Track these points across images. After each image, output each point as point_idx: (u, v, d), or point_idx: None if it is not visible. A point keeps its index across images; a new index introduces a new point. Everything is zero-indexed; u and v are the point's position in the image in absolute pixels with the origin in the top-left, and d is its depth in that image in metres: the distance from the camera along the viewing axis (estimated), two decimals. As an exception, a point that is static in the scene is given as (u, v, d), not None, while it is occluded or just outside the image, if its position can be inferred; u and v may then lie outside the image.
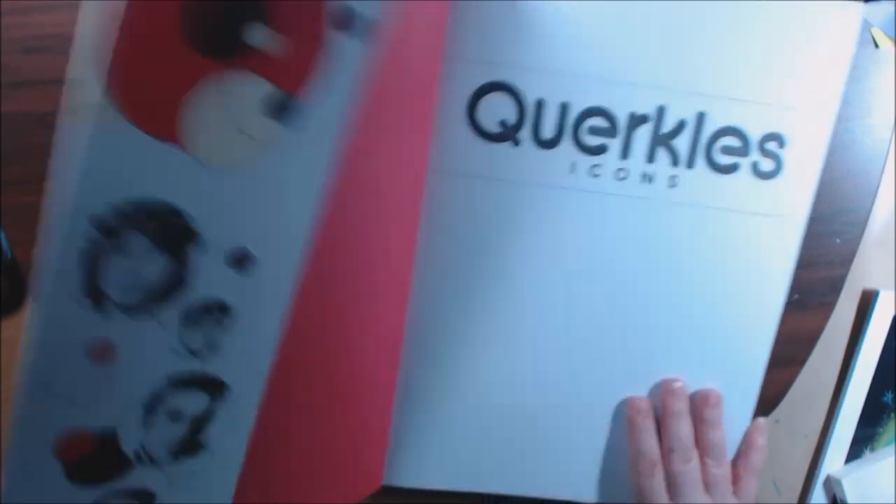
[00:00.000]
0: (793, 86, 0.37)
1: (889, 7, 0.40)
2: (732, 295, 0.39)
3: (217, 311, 0.30)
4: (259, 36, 0.26)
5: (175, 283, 0.29)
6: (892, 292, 0.43)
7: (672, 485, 0.38)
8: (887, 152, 0.41)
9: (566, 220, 0.38)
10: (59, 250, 0.26)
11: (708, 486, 0.38)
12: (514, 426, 0.40)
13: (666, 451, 0.38)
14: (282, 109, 0.28)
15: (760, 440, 0.40)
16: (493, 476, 0.41)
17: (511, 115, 0.36)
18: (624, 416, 0.40)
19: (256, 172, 0.28)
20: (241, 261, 0.30)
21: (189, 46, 0.25)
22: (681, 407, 0.39)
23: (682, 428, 0.39)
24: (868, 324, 0.44)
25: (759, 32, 0.36)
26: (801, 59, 0.36)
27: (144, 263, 0.28)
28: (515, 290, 0.38)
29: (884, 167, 0.42)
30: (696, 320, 0.39)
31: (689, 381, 0.40)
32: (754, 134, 0.37)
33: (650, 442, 0.39)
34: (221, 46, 0.26)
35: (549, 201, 0.37)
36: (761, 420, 0.40)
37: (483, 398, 0.40)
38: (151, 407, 0.30)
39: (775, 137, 0.37)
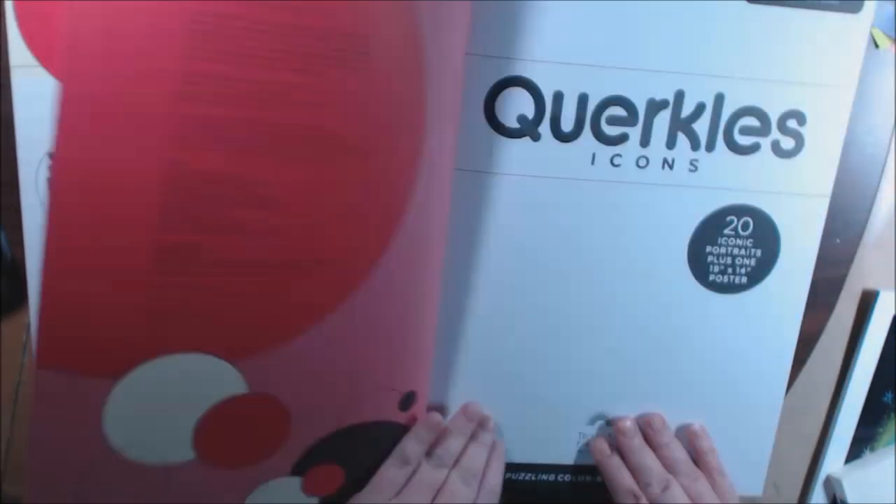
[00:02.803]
0: (810, 62, 0.37)
1: (889, 7, 0.40)
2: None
3: None
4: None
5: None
6: (892, 292, 0.43)
7: None
8: (887, 152, 0.41)
9: (589, 211, 0.38)
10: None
11: (694, 499, 0.39)
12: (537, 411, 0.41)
13: (643, 486, 0.39)
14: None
15: (706, 443, 0.41)
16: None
17: (529, 110, 0.36)
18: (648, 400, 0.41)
19: None
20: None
21: None
22: (635, 442, 0.40)
23: (647, 460, 0.40)
24: (868, 324, 0.44)
25: (773, 10, 0.36)
26: (818, 35, 0.36)
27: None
28: (541, 285, 0.39)
29: (884, 167, 0.42)
30: (723, 303, 0.40)
31: (714, 365, 0.41)
32: (773, 112, 0.37)
33: (624, 477, 0.40)
34: None
35: (571, 194, 0.37)
36: (695, 426, 0.41)
37: (511, 389, 0.41)
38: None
39: (795, 115, 0.37)
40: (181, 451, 0.35)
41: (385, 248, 0.34)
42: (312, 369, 0.35)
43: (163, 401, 0.33)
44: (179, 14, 0.28)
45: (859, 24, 0.37)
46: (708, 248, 0.39)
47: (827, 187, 0.39)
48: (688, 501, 0.38)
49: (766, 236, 0.39)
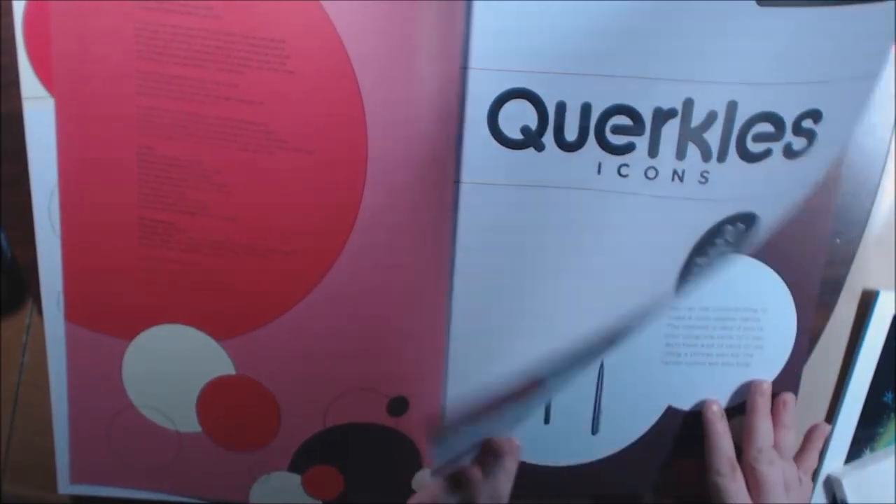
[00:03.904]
0: (829, 58, 0.34)
1: (889, 7, 0.39)
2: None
3: None
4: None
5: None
6: (892, 292, 0.43)
7: (755, 485, 0.39)
8: (887, 152, 0.41)
9: (595, 221, 0.37)
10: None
11: (787, 486, 0.39)
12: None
13: (753, 451, 0.39)
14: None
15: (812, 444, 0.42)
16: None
17: (532, 121, 0.36)
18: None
19: None
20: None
21: None
22: (769, 408, 0.41)
23: (768, 428, 0.40)
24: (868, 324, 0.44)
25: (785, 11, 0.33)
26: (836, 30, 0.33)
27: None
28: (549, 295, 0.39)
29: (884, 167, 0.42)
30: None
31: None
32: (789, 115, 0.35)
33: (727, 444, 0.40)
34: None
35: (576, 203, 0.37)
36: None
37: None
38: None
39: (811, 114, 0.35)
40: (189, 422, 0.40)
41: (341, 248, 0.37)
42: (288, 357, 0.39)
43: (168, 365, 0.39)
44: (130, 22, 0.34)
45: (885, 14, 0.33)
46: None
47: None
48: (782, 485, 0.39)
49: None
